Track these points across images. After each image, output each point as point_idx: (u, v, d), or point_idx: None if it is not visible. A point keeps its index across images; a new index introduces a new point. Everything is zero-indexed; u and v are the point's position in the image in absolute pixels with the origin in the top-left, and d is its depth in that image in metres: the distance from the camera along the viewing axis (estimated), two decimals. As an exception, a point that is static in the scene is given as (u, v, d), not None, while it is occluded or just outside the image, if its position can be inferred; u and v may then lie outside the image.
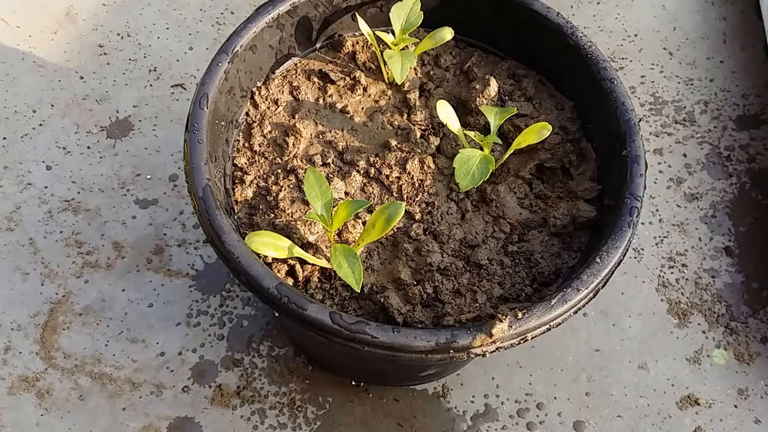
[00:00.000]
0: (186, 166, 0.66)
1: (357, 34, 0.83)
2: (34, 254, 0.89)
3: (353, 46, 0.82)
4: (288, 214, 0.70)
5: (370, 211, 0.72)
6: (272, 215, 0.70)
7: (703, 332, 0.92)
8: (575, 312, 0.64)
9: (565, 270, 0.71)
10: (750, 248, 0.98)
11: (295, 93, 0.78)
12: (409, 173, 0.74)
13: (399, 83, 0.77)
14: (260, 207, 0.71)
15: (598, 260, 0.64)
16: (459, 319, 0.66)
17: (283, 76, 0.79)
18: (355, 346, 0.60)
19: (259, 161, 0.74)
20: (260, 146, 0.75)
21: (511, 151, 0.74)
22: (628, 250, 0.67)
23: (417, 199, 0.73)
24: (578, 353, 0.89)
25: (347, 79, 0.79)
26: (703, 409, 0.87)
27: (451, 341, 0.60)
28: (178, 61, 1.06)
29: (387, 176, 0.73)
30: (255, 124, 0.76)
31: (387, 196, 0.73)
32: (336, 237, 0.70)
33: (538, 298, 0.68)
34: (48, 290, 0.87)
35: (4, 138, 0.97)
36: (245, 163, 0.74)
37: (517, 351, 0.87)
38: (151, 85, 1.03)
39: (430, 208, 0.72)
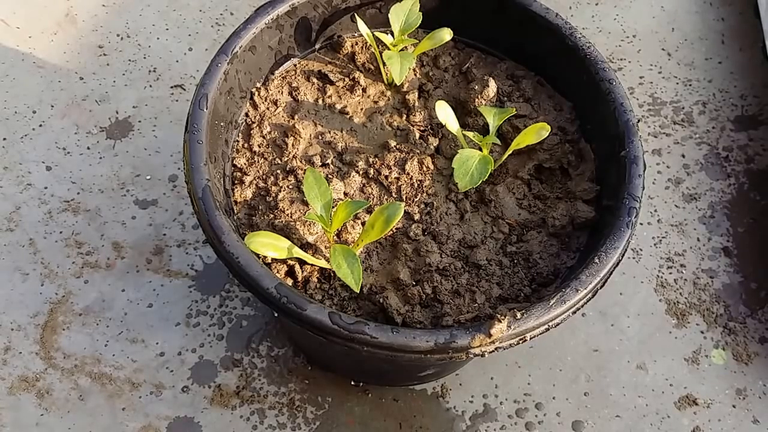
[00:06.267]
0: (185, 167, 0.66)
1: (356, 35, 0.83)
2: (34, 254, 0.89)
3: (352, 47, 0.82)
4: (287, 215, 0.70)
5: (369, 211, 0.72)
6: (271, 216, 0.70)
7: (702, 332, 0.92)
8: (574, 312, 0.64)
9: (564, 270, 0.71)
10: (748, 249, 0.98)
11: (294, 94, 0.79)
12: (408, 174, 0.74)
13: (398, 84, 0.77)
14: (259, 207, 0.71)
15: (597, 261, 0.65)
16: (458, 319, 0.66)
17: (283, 77, 0.80)
18: (354, 346, 0.60)
19: (258, 162, 0.74)
20: (259, 147, 0.75)
21: (510, 152, 0.74)
22: (626, 250, 0.67)
23: (416, 199, 0.73)
24: (577, 353, 0.89)
25: (346, 79, 0.79)
26: (701, 409, 0.87)
27: (450, 341, 0.60)
28: (177, 61, 1.06)
29: (386, 177, 0.74)
30: (254, 125, 0.76)
31: (386, 197, 0.73)
32: (335, 237, 0.70)
33: (536, 299, 0.68)
34: (48, 290, 0.87)
35: (4, 139, 0.97)
36: (244, 164, 0.74)
37: (515, 351, 0.87)
38: (150, 86, 1.03)
39: (429, 208, 0.73)
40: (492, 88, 0.78)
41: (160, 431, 0.81)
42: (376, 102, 0.79)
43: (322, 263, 0.68)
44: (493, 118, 0.73)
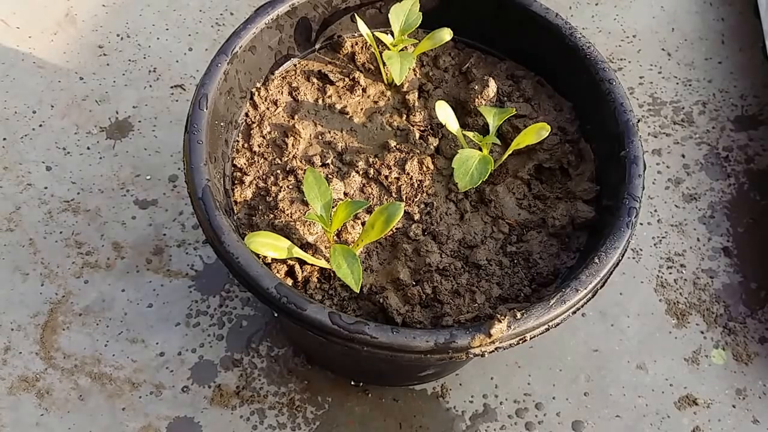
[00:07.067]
0: (185, 167, 0.66)
1: (356, 35, 0.83)
2: (34, 254, 0.89)
3: (352, 47, 0.82)
4: (287, 215, 0.70)
5: (369, 211, 0.72)
6: (271, 216, 0.70)
7: (702, 332, 0.92)
8: (574, 312, 0.64)
9: (564, 270, 0.71)
10: (748, 249, 0.98)
11: (294, 94, 0.79)
12: (408, 174, 0.74)
13: (398, 84, 0.77)
14: (259, 207, 0.71)
15: (597, 261, 0.65)
16: (458, 319, 0.66)
17: (283, 77, 0.80)
18: (354, 346, 0.60)
19: (258, 162, 0.74)
20: (259, 147, 0.75)
21: (510, 152, 0.74)
22: (626, 250, 0.67)
23: (416, 199, 0.73)
24: (577, 353, 0.89)
25: (346, 79, 0.79)
26: (701, 409, 0.87)
27: (450, 341, 0.60)
28: (177, 62, 1.06)
29: (386, 177, 0.74)
30: (254, 125, 0.76)
31: (386, 197, 0.73)
32: (335, 237, 0.70)
33: (536, 299, 0.68)
34: (48, 290, 0.87)
35: (4, 139, 0.97)
36: (244, 164, 0.74)
37: (515, 351, 0.87)
38: (150, 86, 1.03)
39: (429, 208, 0.73)
40: (492, 88, 0.78)
41: (160, 431, 0.81)
42: (376, 102, 0.79)
43: (322, 263, 0.68)
44: (493, 118, 0.73)
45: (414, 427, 0.83)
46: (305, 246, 0.69)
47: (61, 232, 0.91)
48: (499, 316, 0.61)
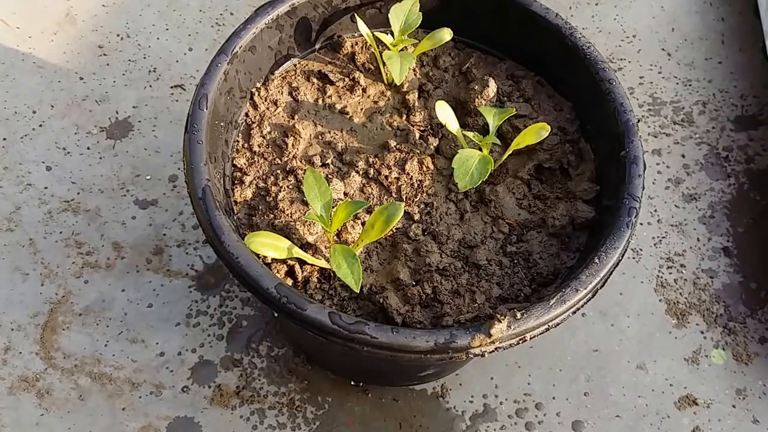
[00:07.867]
0: (185, 167, 0.66)
1: (356, 35, 0.83)
2: (34, 254, 0.89)
3: (352, 47, 0.82)
4: (287, 215, 0.70)
5: (369, 211, 0.72)
6: (271, 216, 0.70)
7: (702, 332, 0.92)
8: (574, 312, 0.64)
9: (564, 270, 0.71)
10: (748, 249, 0.98)
11: (294, 94, 0.79)
12: (408, 174, 0.74)
13: (398, 84, 0.77)
14: (259, 207, 0.71)
15: (597, 261, 0.65)
16: (458, 319, 0.66)
17: (283, 77, 0.80)
18: (354, 346, 0.60)
19: (258, 162, 0.74)
20: (259, 147, 0.75)
21: (510, 152, 0.74)
22: (626, 250, 0.67)
23: (416, 199, 0.73)
24: (577, 353, 0.89)
25: (346, 79, 0.79)
26: (701, 409, 0.87)
27: (450, 341, 0.60)
28: (177, 62, 1.06)
29: (386, 177, 0.74)
30: (254, 125, 0.76)
31: (386, 197, 0.73)
32: (335, 237, 0.70)
33: (536, 299, 0.68)
34: (48, 290, 0.87)
35: (4, 139, 0.97)
36: (244, 164, 0.74)
37: (515, 351, 0.87)
38: (150, 86, 1.03)
39: (429, 208, 0.73)
40: (492, 88, 0.78)
41: (160, 431, 0.81)
42: (376, 102, 0.79)
43: (322, 263, 0.68)
44: (493, 118, 0.73)
45: (414, 427, 0.83)
46: (305, 246, 0.69)
47: (61, 232, 0.91)
48: (499, 316, 0.61)
